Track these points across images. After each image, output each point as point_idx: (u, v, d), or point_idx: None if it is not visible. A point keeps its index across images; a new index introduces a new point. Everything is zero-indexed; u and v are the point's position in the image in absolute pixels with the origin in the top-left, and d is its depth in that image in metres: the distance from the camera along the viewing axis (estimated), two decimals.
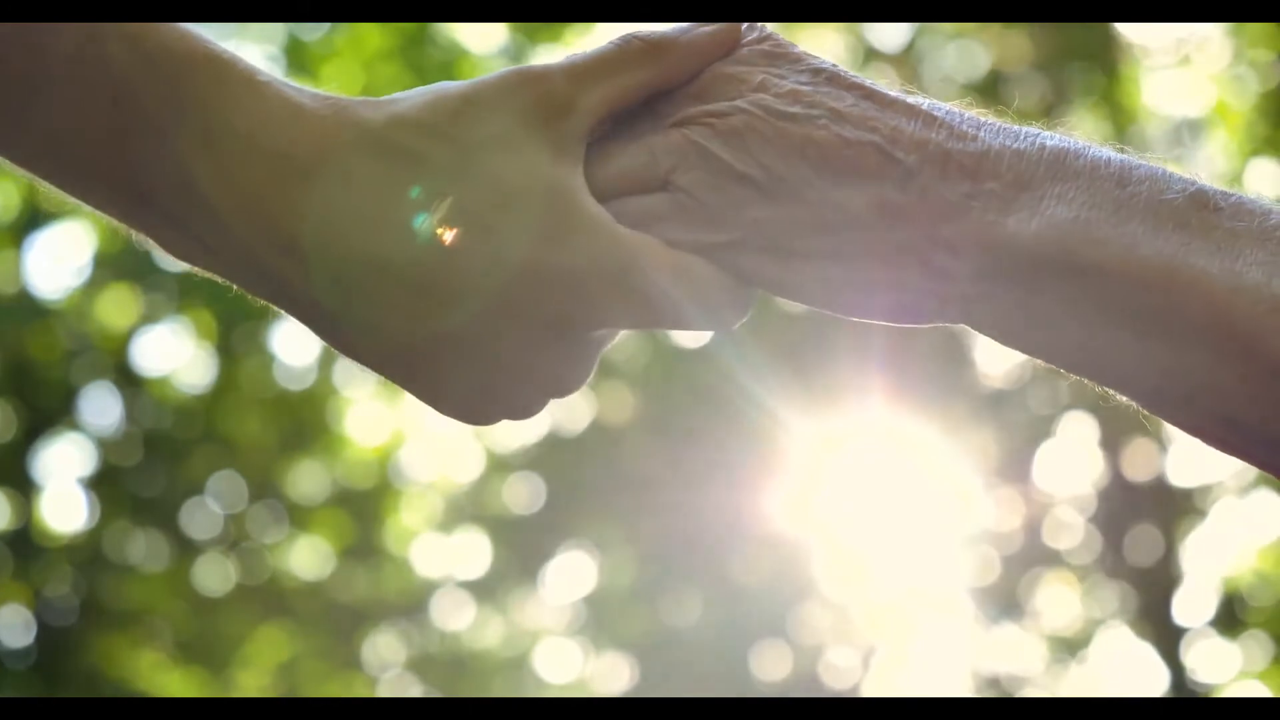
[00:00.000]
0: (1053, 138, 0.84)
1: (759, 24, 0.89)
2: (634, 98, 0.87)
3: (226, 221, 0.82)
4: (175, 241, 0.86)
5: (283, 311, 0.87)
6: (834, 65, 0.86)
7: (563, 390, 0.88)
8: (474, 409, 0.89)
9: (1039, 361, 0.87)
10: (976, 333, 0.86)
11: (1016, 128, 0.85)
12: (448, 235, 0.82)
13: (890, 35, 6.99)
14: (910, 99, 0.85)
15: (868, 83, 0.86)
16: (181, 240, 0.85)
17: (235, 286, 0.87)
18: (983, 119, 0.85)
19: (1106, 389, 0.86)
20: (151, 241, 0.87)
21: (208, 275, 0.88)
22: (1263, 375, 0.80)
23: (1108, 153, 0.84)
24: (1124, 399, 0.86)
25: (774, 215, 0.85)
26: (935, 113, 0.85)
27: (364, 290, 0.83)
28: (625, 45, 0.86)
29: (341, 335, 0.86)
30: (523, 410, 0.89)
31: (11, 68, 0.81)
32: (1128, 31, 6.86)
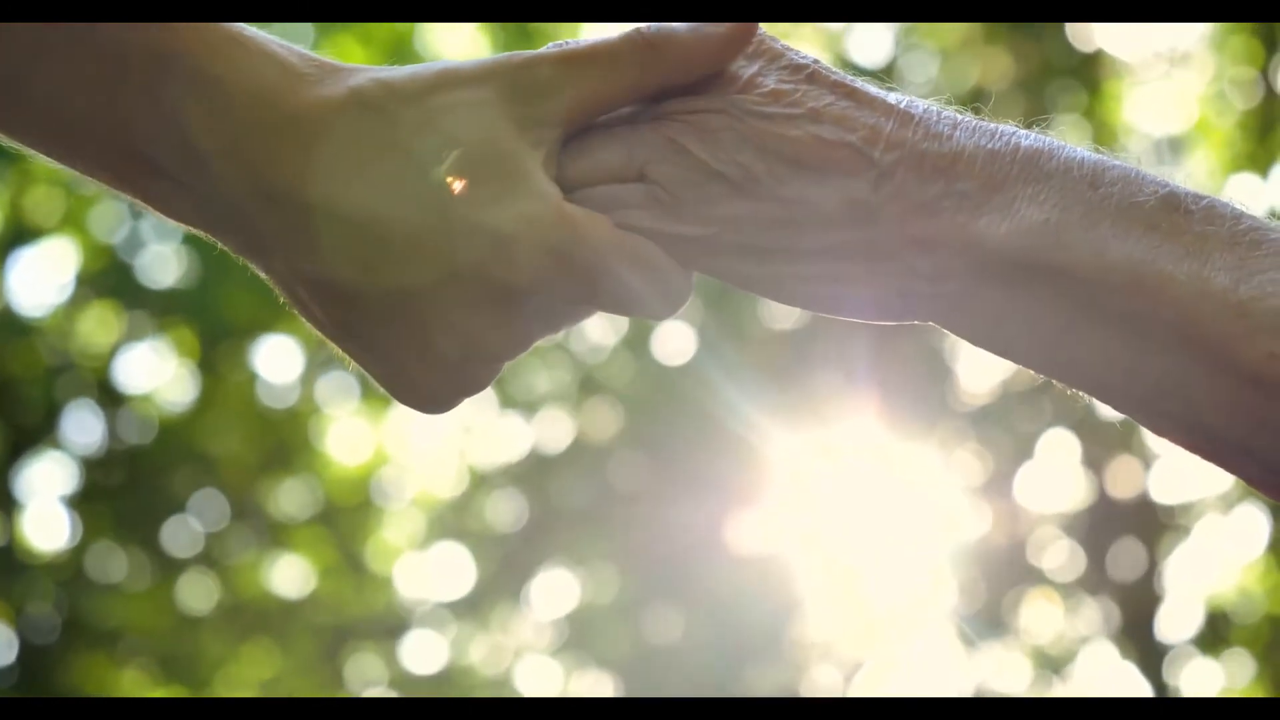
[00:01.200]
0: (1028, 137, 0.84)
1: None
2: (625, 98, 0.87)
3: (213, 168, 0.84)
4: (166, 196, 0.87)
5: (259, 271, 0.88)
6: (815, 61, 0.87)
7: (501, 357, 0.88)
8: (420, 379, 0.89)
9: (1022, 378, 0.87)
10: (958, 347, 0.86)
11: (992, 126, 0.85)
12: (417, 190, 0.84)
13: (872, 51, 6.99)
14: (889, 97, 0.86)
15: (848, 80, 0.86)
16: (172, 194, 0.87)
17: (220, 244, 0.89)
18: (959, 117, 0.85)
19: (1076, 390, 0.85)
20: (143, 203, 0.88)
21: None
22: (1229, 380, 0.79)
23: (1082, 153, 0.84)
24: (1098, 403, 0.85)
25: (746, 212, 0.85)
26: (912, 111, 0.85)
27: (325, 238, 0.85)
28: (625, 41, 0.86)
29: (304, 294, 0.87)
30: (468, 382, 0.89)
31: (3, 54, 0.83)
32: (1110, 48, 6.87)
